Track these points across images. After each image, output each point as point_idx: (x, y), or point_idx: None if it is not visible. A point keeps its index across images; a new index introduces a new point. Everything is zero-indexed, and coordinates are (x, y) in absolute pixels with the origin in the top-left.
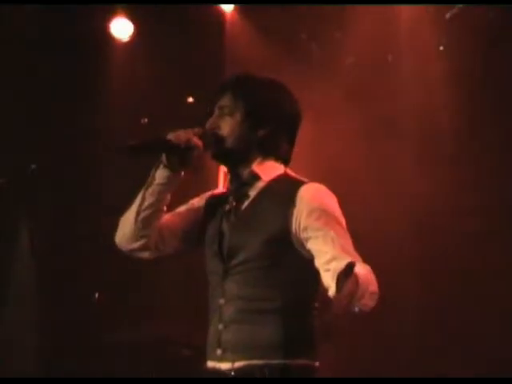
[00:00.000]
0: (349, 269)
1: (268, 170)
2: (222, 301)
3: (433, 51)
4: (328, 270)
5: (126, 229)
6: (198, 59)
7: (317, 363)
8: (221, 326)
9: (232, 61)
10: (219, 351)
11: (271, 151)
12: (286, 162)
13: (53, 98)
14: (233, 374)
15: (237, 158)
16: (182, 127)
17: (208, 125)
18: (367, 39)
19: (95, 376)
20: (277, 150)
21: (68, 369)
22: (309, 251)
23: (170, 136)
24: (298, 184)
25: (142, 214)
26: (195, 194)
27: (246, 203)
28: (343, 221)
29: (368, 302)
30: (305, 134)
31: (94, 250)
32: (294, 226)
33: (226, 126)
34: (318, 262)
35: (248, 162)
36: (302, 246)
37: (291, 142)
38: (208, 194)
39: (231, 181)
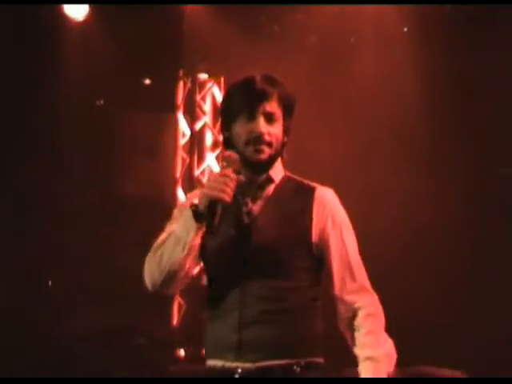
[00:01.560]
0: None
1: (278, 173)
2: (240, 301)
3: (397, 33)
4: (341, 301)
5: (167, 277)
6: (156, 41)
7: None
8: (240, 326)
9: (191, 44)
10: (237, 351)
11: (283, 155)
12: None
13: (3, 82)
14: (248, 373)
15: (270, 164)
16: (139, 110)
17: (262, 130)
18: (329, 21)
19: (50, 363)
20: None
21: (22, 358)
22: (323, 258)
23: (221, 196)
24: (309, 188)
25: (188, 261)
26: (150, 181)
27: (261, 205)
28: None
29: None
30: None
31: (50, 237)
32: (314, 230)
33: (274, 133)
34: (331, 279)
35: (271, 166)
36: (320, 248)
37: None
38: (194, 195)
39: (243, 183)
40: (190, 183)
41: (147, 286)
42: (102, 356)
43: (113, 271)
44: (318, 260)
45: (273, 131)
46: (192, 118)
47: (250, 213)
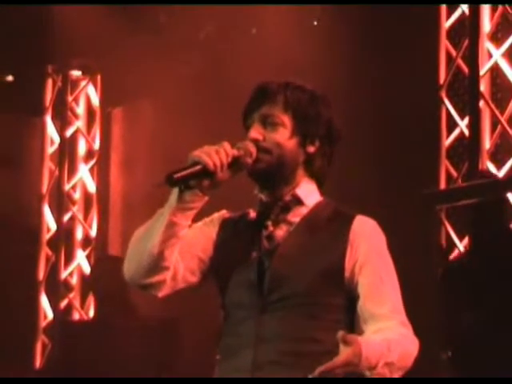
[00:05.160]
0: (348, 337)
1: (310, 195)
2: (256, 339)
3: (306, 26)
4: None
5: (143, 261)
6: (19, 31)
7: None
8: (254, 367)
9: (62, 34)
10: None
11: (316, 172)
12: (322, 185)
13: None
14: None
15: (280, 177)
16: (1, 110)
17: (252, 135)
18: (227, 9)
19: None
20: (321, 170)
21: None
22: (354, 295)
23: (204, 158)
24: (347, 216)
25: (167, 243)
26: (11, 196)
27: (289, 230)
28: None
29: (383, 371)
30: (146, 117)
31: None
32: (347, 264)
33: (274, 138)
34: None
35: (291, 182)
36: (352, 284)
37: (329, 163)
38: (219, 216)
39: (265, 203)
40: (59, 199)
41: (125, 276)
42: None
43: None
44: (350, 298)
45: (272, 137)
46: (62, 122)
47: (271, 237)
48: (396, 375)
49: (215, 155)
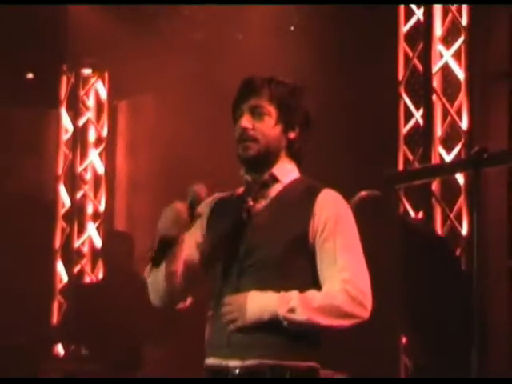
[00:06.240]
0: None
1: (286, 173)
2: None
3: (284, 31)
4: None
5: (173, 289)
6: (38, 35)
7: (319, 366)
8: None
9: (75, 37)
10: (228, 349)
11: (295, 154)
12: (300, 164)
13: None
14: (238, 371)
15: (266, 161)
16: (20, 105)
17: (242, 124)
18: (216, 16)
19: None
20: (300, 152)
21: None
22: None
23: (168, 235)
24: (315, 189)
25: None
26: (31, 177)
27: (264, 204)
28: (355, 229)
29: (290, 316)
30: (147, 109)
31: None
32: (311, 232)
33: (261, 127)
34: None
35: (274, 164)
36: (315, 249)
37: (306, 146)
38: (210, 200)
39: (250, 182)
40: (73, 180)
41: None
42: None
43: None
44: (314, 261)
45: (259, 126)
46: (75, 113)
47: (250, 211)
48: (313, 317)
49: (175, 225)
